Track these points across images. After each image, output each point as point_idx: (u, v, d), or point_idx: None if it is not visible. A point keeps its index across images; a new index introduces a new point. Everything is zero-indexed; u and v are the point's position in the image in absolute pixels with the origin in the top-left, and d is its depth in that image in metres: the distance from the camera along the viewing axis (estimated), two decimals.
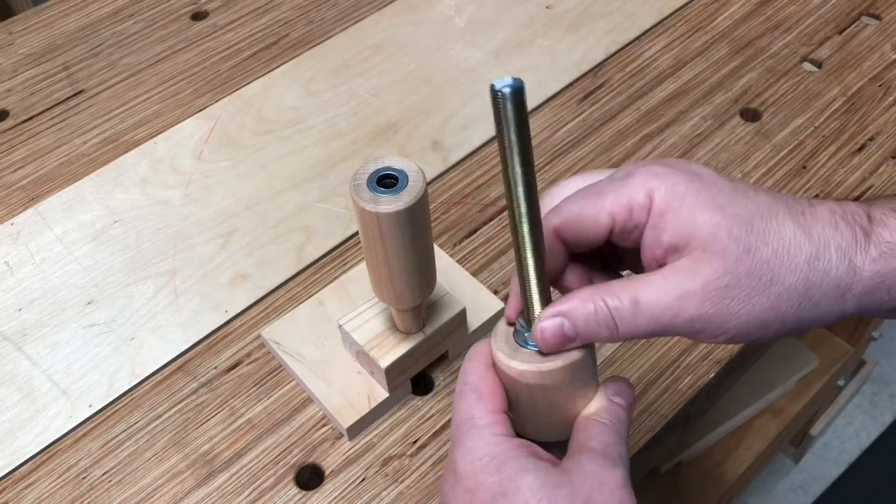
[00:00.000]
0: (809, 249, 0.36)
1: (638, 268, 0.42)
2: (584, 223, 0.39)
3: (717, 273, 0.36)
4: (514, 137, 0.35)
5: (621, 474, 0.37)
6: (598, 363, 0.43)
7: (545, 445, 0.40)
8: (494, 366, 0.41)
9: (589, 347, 0.40)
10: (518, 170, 0.36)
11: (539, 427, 0.41)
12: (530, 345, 0.39)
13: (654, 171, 0.38)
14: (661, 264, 0.38)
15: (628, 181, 0.38)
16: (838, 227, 0.37)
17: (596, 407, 0.40)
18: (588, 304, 0.37)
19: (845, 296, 0.37)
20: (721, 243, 0.36)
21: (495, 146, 0.77)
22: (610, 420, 0.39)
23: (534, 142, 0.77)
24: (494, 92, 0.34)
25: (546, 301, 0.39)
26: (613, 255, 0.43)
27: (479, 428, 0.38)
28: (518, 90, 0.34)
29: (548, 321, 0.38)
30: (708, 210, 0.37)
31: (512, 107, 0.34)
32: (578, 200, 0.39)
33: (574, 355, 0.39)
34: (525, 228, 0.37)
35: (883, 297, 0.37)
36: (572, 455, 0.38)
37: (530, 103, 0.80)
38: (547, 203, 0.41)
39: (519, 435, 0.40)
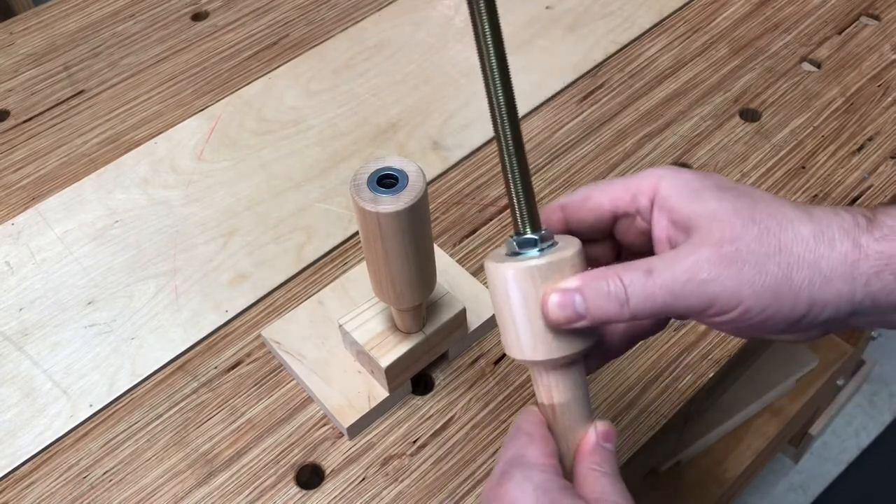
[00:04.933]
0: (812, 227, 0.38)
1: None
2: (589, 204, 0.42)
3: (726, 238, 0.38)
4: (486, 28, 0.41)
5: None
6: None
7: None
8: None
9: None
10: (494, 61, 0.42)
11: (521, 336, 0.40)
12: (522, 252, 0.40)
13: (663, 167, 0.42)
14: (672, 246, 0.40)
15: (638, 175, 0.42)
16: (838, 213, 0.39)
17: (593, 453, 0.41)
18: (599, 278, 0.38)
19: (854, 274, 0.37)
20: (727, 215, 0.38)
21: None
22: (611, 468, 0.40)
23: (534, 142, 0.77)
24: None
25: (530, 200, 0.40)
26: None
27: (531, 466, 0.39)
28: None
29: (556, 294, 0.38)
30: (713, 191, 0.39)
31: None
32: (589, 185, 0.44)
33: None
34: (506, 122, 0.40)
35: (890, 281, 0.37)
36: None
37: (530, 104, 0.80)
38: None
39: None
